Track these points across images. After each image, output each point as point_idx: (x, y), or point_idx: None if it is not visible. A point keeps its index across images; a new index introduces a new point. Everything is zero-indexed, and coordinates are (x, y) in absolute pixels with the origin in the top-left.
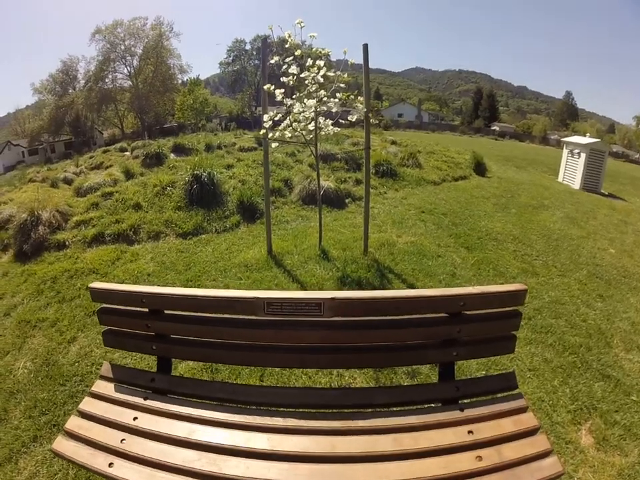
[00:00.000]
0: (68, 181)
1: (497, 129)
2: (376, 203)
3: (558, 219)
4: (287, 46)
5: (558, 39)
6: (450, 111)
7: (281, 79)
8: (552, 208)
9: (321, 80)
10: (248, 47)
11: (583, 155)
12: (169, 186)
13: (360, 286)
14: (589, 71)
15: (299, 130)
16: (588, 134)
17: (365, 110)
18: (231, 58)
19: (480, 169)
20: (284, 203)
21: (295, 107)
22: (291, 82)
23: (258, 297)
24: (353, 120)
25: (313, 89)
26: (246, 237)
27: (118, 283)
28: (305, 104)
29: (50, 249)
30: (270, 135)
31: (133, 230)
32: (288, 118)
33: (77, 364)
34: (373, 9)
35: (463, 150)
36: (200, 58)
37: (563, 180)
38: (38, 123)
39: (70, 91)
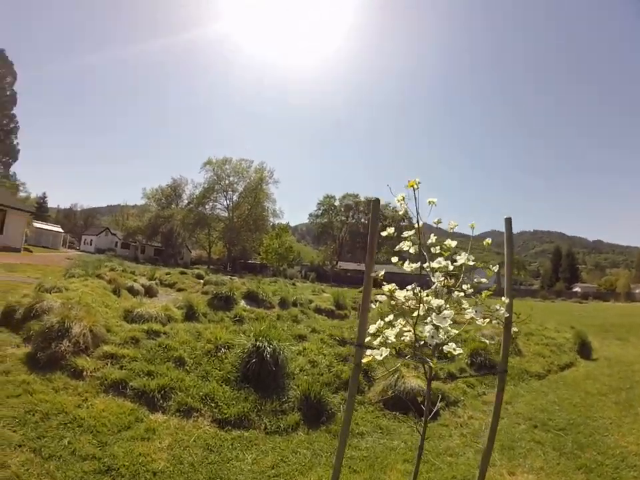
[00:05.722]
0: (133, 292)
1: (579, 290)
2: (475, 409)
3: None
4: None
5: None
6: (527, 274)
7: (393, 259)
8: None
9: (451, 268)
10: (337, 202)
11: None
12: (224, 347)
13: None
14: None
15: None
16: None
17: (507, 315)
18: (320, 211)
19: (584, 349)
20: (360, 403)
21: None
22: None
23: None
24: (484, 325)
25: (441, 284)
26: (303, 450)
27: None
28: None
29: (64, 370)
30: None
31: (162, 392)
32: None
33: None
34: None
35: (560, 327)
36: (293, 206)
37: None
38: (137, 223)
39: (172, 205)
